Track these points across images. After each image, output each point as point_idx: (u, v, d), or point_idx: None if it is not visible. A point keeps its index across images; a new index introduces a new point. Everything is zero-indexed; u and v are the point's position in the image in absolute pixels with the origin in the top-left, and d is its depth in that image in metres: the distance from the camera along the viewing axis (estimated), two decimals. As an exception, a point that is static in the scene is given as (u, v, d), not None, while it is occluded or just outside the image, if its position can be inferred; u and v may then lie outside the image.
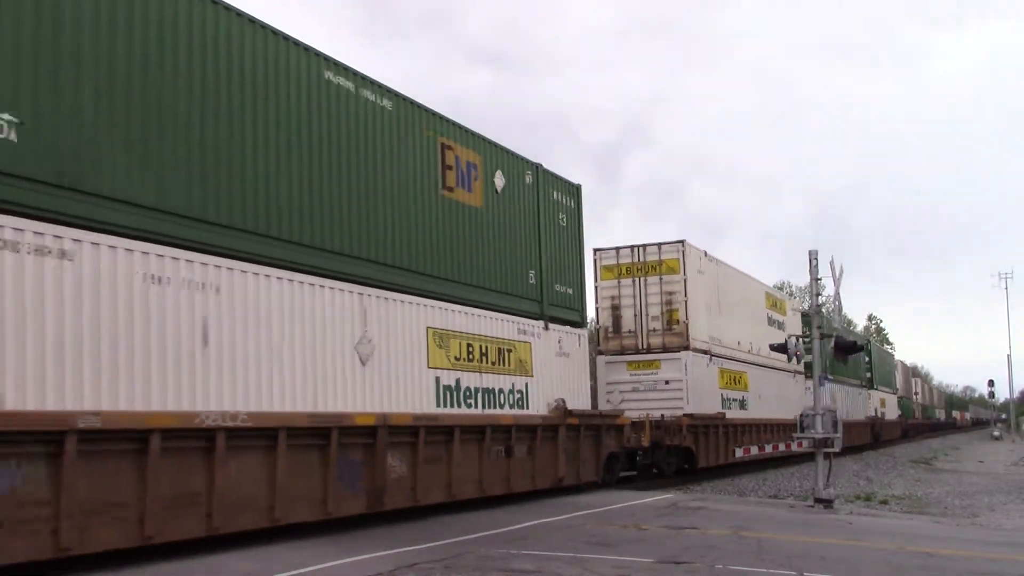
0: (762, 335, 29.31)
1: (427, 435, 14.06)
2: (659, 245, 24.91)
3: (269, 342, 11.61)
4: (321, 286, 12.55)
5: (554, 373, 18.27)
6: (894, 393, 57.37)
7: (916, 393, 74.95)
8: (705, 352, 25.12)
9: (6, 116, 8.80)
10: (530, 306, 17.81)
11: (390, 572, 9.51)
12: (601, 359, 24.47)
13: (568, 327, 19.09)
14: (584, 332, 19.82)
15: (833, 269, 19.08)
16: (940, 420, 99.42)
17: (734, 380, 26.95)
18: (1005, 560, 11.85)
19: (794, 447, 22.51)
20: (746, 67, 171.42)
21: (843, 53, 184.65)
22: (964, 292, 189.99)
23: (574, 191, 19.93)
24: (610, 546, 11.64)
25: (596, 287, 24.82)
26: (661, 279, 24.45)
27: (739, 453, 25.79)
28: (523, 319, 17.47)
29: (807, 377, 31.95)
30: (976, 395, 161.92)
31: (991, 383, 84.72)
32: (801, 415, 18.62)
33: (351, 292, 13.11)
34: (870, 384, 48.76)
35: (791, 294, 63.90)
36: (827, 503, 17.66)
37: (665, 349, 24.18)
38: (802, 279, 73.79)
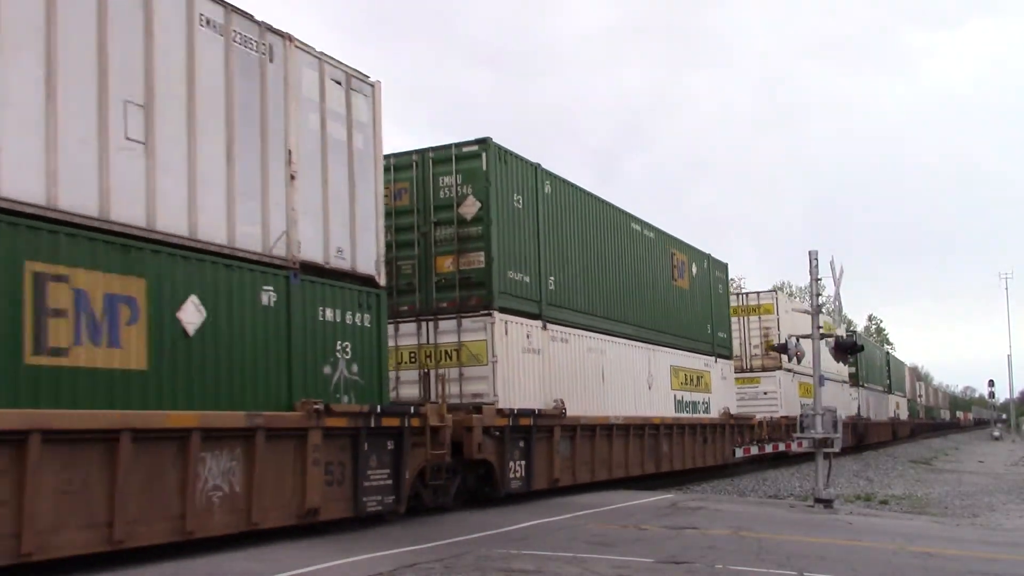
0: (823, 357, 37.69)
1: (675, 429, 23.36)
2: (758, 293, 34.93)
3: (620, 377, 20.84)
4: (631, 345, 21.58)
5: (720, 391, 27.06)
6: (904, 396, 64.70)
7: (920, 396, 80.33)
8: (790, 371, 33.38)
9: (552, 278, 18.13)
10: (707, 347, 26.46)
11: (390, 572, 9.51)
12: None
13: (724, 360, 28.01)
14: (731, 362, 29.06)
15: (833, 269, 19.09)
16: (946, 420, 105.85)
17: (807, 391, 32.82)
18: (1005, 560, 11.85)
19: (793, 446, 23.35)
20: (746, 67, 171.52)
21: (843, 53, 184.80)
22: (964, 292, 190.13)
23: (724, 268, 29.10)
24: (610, 546, 11.64)
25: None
26: (760, 318, 34.01)
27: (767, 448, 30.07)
28: (705, 356, 26.27)
29: (854, 386, 45.01)
30: (976, 395, 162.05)
31: (991, 383, 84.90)
32: (801, 415, 18.64)
33: (642, 347, 22.20)
34: (888, 389, 56.62)
35: (791, 294, 64.40)
36: (827, 503, 17.67)
37: (764, 369, 33.38)
38: (802, 279, 73.81)
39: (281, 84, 12.09)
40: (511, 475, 16.09)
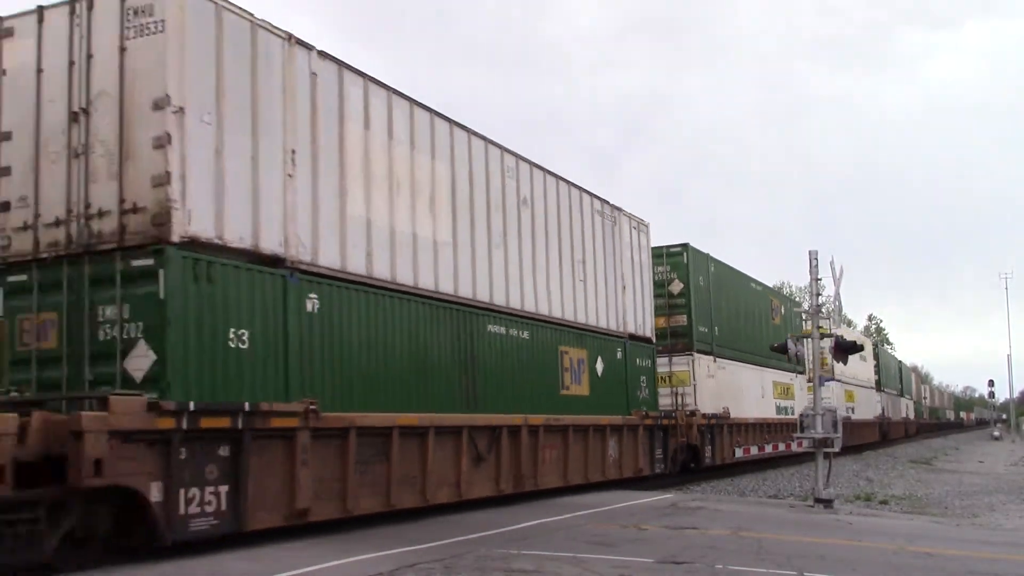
0: (855, 369, 45.98)
1: (775, 425, 31.85)
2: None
3: (749, 391, 29.89)
4: (752, 369, 30.30)
5: (799, 398, 34.47)
6: (911, 399, 72.03)
7: (925, 397, 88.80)
8: (840, 381, 38.25)
9: (717, 327, 26.93)
10: (790, 367, 32.12)
11: (390, 572, 9.51)
12: None
13: (800, 375, 33.91)
14: (805, 376, 34.10)
15: (833, 269, 19.13)
16: (951, 420, 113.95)
17: (851, 396, 44.09)
18: (1005, 560, 11.85)
19: (793, 446, 23.81)
20: (746, 67, 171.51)
21: (843, 53, 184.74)
22: (964, 292, 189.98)
23: (799, 305, 38.78)
24: (610, 546, 11.64)
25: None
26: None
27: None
28: (789, 373, 33.99)
29: (878, 391, 52.58)
30: (976, 395, 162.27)
31: (991, 383, 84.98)
32: (801, 415, 18.65)
33: (757, 370, 30.95)
34: (901, 393, 64.61)
35: (791, 294, 64.91)
36: (827, 503, 17.67)
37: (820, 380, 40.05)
38: (802, 279, 73.87)
39: (617, 236, 21.80)
40: (706, 454, 25.27)
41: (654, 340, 23.35)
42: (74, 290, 10.56)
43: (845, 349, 20.90)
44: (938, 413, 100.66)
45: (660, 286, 25.02)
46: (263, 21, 11.67)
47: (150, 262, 10.20)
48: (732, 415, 27.07)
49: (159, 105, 10.26)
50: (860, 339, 44.69)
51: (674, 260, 25.82)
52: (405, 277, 13.97)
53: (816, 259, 18.90)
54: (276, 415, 11.16)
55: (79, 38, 10.81)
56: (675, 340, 25.25)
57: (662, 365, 24.24)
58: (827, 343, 19.73)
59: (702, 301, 26.33)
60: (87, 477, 8.96)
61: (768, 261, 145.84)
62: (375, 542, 11.47)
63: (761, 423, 30.53)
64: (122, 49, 10.53)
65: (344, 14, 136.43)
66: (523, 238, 17.39)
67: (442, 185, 15.08)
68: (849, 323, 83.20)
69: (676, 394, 24.29)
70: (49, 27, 11.03)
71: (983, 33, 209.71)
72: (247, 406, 10.76)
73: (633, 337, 21.92)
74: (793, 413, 32.03)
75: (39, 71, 11.04)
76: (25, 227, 10.99)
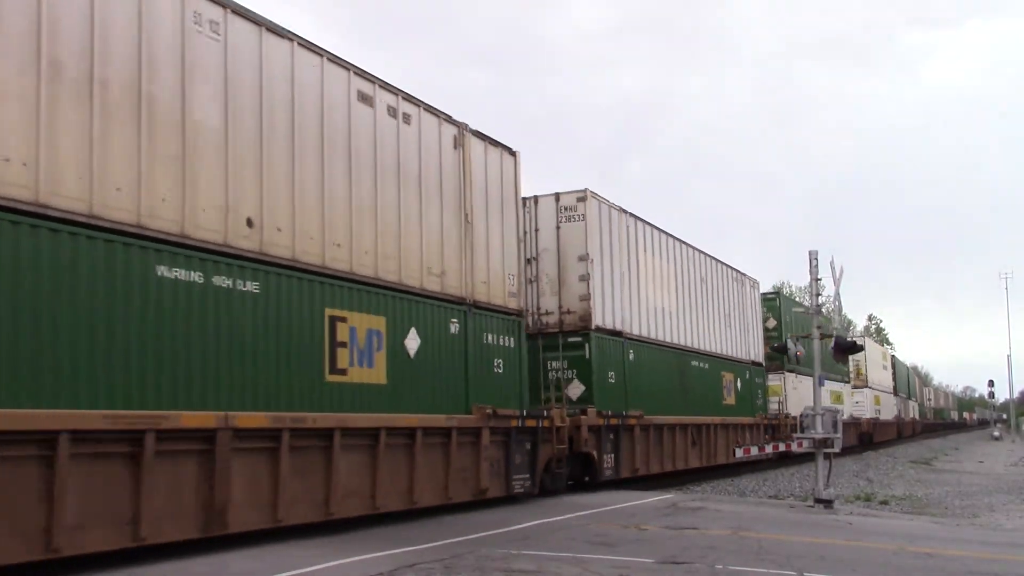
0: (879, 377, 54.51)
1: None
2: (862, 337, 52.45)
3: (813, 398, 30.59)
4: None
5: (847, 402, 41.80)
6: (916, 401, 77.48)
7: (929, 399, 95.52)
8: (871, 388, 46.75)
9: (800, 352, 26.80)
10: (840, 379, 40.81)
11: (390, 572, 9.51)
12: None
13: (847, 384, 43.68)
14: (850, 385, 46.16)
15: (833, 269, 19.13)
16: (954, 420, 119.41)
17: (876, 400, 51.41)
18: (1005, 560, 11.84)
19: (793, 446, 23.97)
20: (746, 67, 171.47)
21: (843, 53, 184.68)
22: (964, 292, 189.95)
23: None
24: (610, 546, 11.64)
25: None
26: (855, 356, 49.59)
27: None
28: (840, 383, 41.50)
29: (894, 395, 59.54)
30: (976, 395, 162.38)
31: (991, 383, 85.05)
32: (801, 415, 18.65)
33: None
34: (909, 396, 70.20)
35: (791, 294, 65.20)
36: (827, 503, 17.67)
37: (856, 388, 47.30)
38: (802, 279, 73.95)
39: (742, 292, 31.38)
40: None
41: (763, 363, 32.24)
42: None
43: (845, 349, 20.93)
44: (943, 414, 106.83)
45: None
46: (619, 207, 21.80)
47: (579, 339, 19.84)
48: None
49: (582, 257, 20.09)
50: (881, 351, 56.20)
51: (770, 303, 34.77)
52: (661, 335, 23.80)
53: (816, 259, 18.90)
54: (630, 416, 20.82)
55: (530, 219, 20.15)
56: (771, 362, 33.09)
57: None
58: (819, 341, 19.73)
59: (788, 332, 33.79)
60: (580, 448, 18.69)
61: (768, 261, 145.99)
62: (375, 542, 11.47)
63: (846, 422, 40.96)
64: (557, 227, 20.31)
65: (344, 13, 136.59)
66: (702, 303, 26.60)
67: (670, 275, 24.48)
68: (849, 323, 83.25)
69: (778, 402, 32.89)
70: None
71: (983, 33, 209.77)
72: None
73: (754, 363, 30.67)
74: (844, 415, 43.41)
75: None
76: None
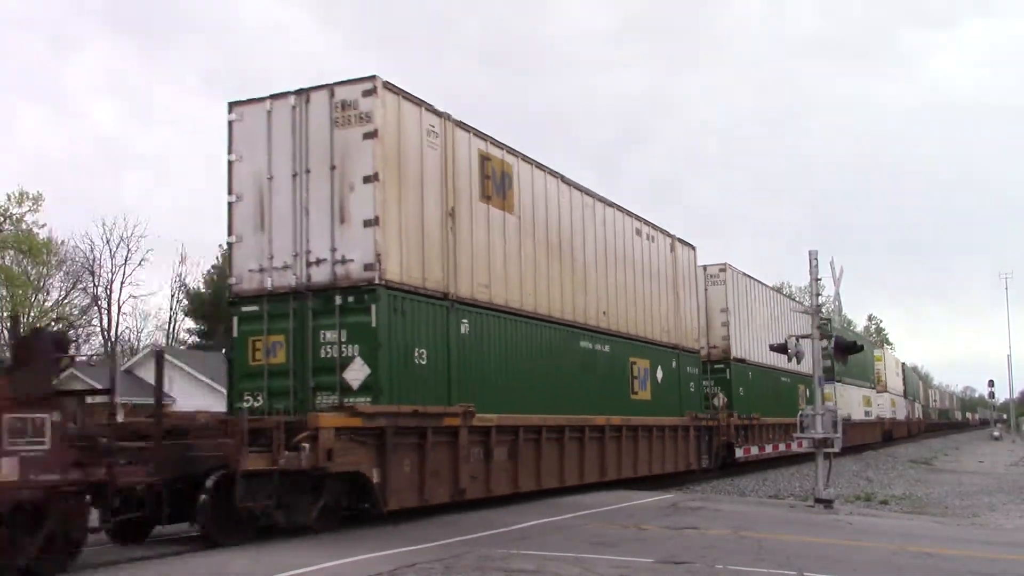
0: (894, 382, 60.67)
1: (866, 424, 48.18)
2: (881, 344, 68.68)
3: (854, 403, 44.70)
4: (855, 387, 45.92)
5: (874, 404, 48.21)
6: (920, 402, 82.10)
7: (935, 400, 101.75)
8: (889, 392, 54.34)
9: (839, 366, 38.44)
10: (869, 384, 48.19)
11: (390, 572, 9.51)
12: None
13: (873, 389, 47.59)
14: (875, 389, 50.51)
15: (833, 269, 19.12)
16: (958, 420, 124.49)
17: (893, 403, 57.93)
18: (1005, 560, 11.84)
19: (793, 445, 23.96)
20: (745, 67, 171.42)
21: (842, 53, 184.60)
22: (964, 292, 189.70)
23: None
24: (610, 546, 11.64)
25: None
26: (877, 362, 55.83)
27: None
28: (868, 389, 48.57)
29: (904, 398, 65.09)
30: (976, 395, 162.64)
31: (991, 383, 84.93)
32: (801, 415, 18.64)
33: (857, 388, 45.90)
34: (915, 398, 75.32)
35: (791, 295, 65.39)
36: (827, 503, 17.66)
37: (877, 392, 52.82)
38: (802, 279, 73.94)
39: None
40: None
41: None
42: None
43: (844, 349, 20.91)
44: (947, 414, 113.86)
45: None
46: (747, 275, 29.59)
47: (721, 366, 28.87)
48: (852, 418, 42.35)
49: (722, 310, 27.93)
50: (895, 360, 63.44)
51: (823, 326, 43.03)
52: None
53: (816, 259, 18.89)
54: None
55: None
56: (825, 374, 40.37)
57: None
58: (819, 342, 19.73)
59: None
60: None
61: (768, 261, 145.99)
62: (375, 542, 11.46)
63: (859, 422, 45.87)
64: (716, 303, 28.76)
65: (344, 12, 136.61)
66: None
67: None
68: (849, 323, 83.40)
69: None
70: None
71: (983, 33, 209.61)
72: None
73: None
74: (872, 415, 49.72)
75: None
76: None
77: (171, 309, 61.72)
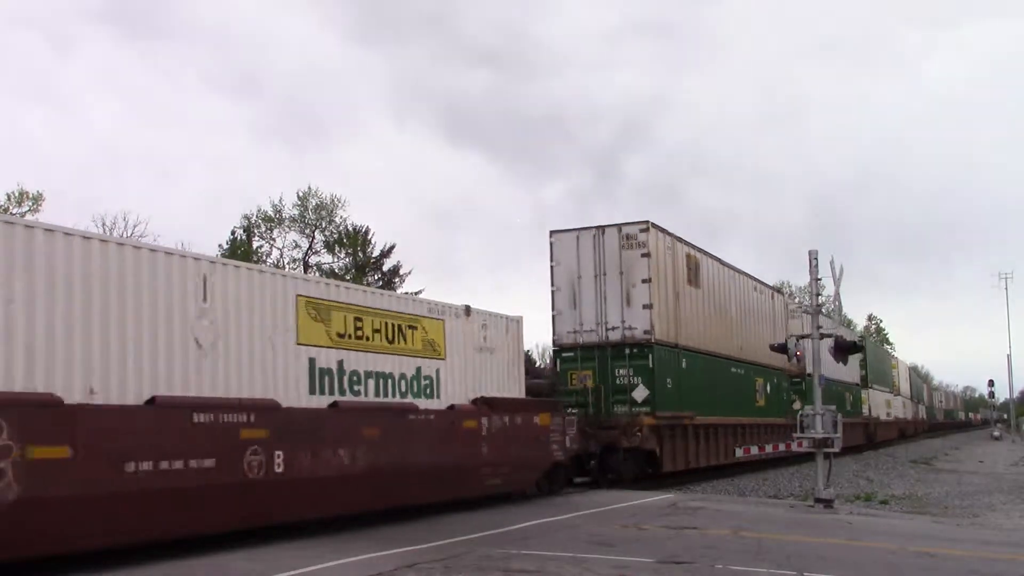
0: (905, 387, 68.06)
1: (891, 422, 60.24)
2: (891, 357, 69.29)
3: (888, 406, 56.66)
4: (882, 393, 53.89)
5: (894, 406, 58.26)
6: (924, 404, 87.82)
7: (941, 401, 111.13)
8: (901, 396, 61.25)
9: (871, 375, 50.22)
10: (890, 390, 57.42)
11: (390, 572, 9.51)
12: None
13: (894, 394, 58.41)
14: (893, 392, 60.38)
15: (833, 269, 19.08)
16: (962, 420, 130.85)
17: (904, 405, 64.26)
18: (1005, 560, 11.84)
19: (793, 445, 24.17)
20: (746, 67, 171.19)
21: (842, 53, 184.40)
22: (964, 292, 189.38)
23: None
24: (610, 546, 11.64)
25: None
26: (894, 369, 65.09)
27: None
28: (890, 393, 57.74)
29: (910, 399, 71.04)
30: (976, 395, 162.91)
31: (991, 383, 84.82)
32: (801, 414, 18.64)
33: (885, 393, 55.91)
34: (919, 400, 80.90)
35: (791, 294, 65.54)
36: (827, 503, 17.66)
37: (891, 395, 58.69)
38: (802, 279, 74.03)
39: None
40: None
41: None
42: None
43: (845, 349, 20.89)
44: (953, 414, 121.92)
45: None
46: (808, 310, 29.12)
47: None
48: (880, 419, 51.57)
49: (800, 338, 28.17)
50: (905, 365, 69.50)
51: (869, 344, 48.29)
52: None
53: (816, 259, 18.88)
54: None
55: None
56: (862, 383, 46.04)
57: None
58: (828, 342, 19.73)
59: (873, 361, 48.86)
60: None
61: (768, 261, 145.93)
62: (375, 542, 11.47)
63: (884, 421, 53.43)
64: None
65: (342, 12, 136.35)
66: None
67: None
68: (849, 323, 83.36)
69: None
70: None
71: (982, 33, 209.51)
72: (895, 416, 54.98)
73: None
74: (892, 416, 56.96)
75: None
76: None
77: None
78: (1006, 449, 55.97)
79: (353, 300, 14.19)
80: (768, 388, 31.47)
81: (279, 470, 11.84)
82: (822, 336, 19.13)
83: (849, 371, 42.47)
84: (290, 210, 51.16)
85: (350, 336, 13.88)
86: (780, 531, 13.76)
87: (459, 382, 16.17)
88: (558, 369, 22.71)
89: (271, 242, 51.96)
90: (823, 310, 19.49)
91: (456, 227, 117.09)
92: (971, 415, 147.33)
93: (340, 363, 13.54)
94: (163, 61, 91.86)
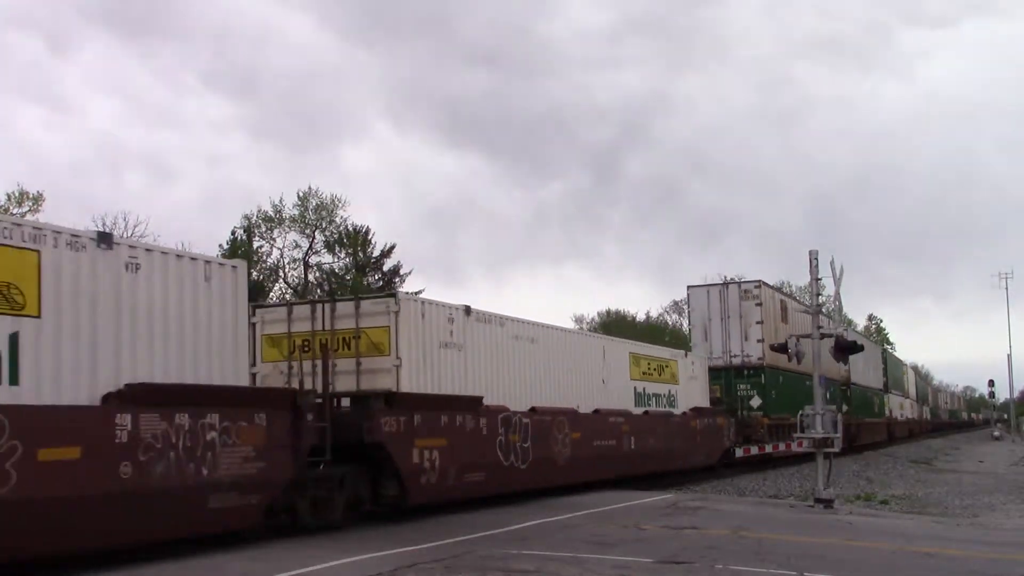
0: (912, 391, 71.18)
1: (901, 422, 63.15)
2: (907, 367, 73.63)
3: (907, 408, 68.39)
4: (899, 398, 59.77)
5: (906, 408, 63.23)
6: (928, 405, 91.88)
7: (946, 402, 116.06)
8: (910, 398, 64.77)
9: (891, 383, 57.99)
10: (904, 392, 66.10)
11: (390, 572, 9.51)
12: None
13: (904, 396, 63.07)
14: (904, 396, 64.41)
15: (833, 269, 19.06)
16: (966, 420, 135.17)
17: (913, 406, 68.69)
18: (1005, 560, 11.84)
19: (793, 445, 24.28)
20: (745, 67, 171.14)
21: (842, 53, 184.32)
22: (964, 292, 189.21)
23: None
24: (610, 546, 11.64)
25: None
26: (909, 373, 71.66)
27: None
28: (905, 397, 66.93)
29: (916, 401, 73.68)
30: (976, 395, 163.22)
31: (991, 383, 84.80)
32: (801, 414, 18.62)
33: (899, 397, 61.13)
34: (924, 402, 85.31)
35: (791, 295, 65.51)
36: (827, 503, 17.65)
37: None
38: (802, 279, 74.01)
39: None
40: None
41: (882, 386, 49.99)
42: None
43: (845, 349, 20.87)
44: (957, 414, 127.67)
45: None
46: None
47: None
48: (898, 418, 54.90)
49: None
50: (912, 371, 72.88)
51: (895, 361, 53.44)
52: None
53: (816, 259, 18.87)
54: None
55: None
56: (885, 388, 48.98)
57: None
58: (828, 342, 19.72)
59: (891, 368, 52.14)
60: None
61: (768, 261, 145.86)
62: (375, 542, 11.47)
63: (901, 421, 58.51)
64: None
65: (341, 12, 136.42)
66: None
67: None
68: (849, 323, 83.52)
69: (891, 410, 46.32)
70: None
71: (981, 33, 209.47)
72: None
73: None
74: (904, 417, 60.78)
75: None
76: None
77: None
78: (1006, 449, 55.95)
79: (646, 352, 24.73)
80: (829, 394, 35.69)
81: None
82: (822, 336, 19.12)
83: (876, 378, 49.50)
84: (290, 210, 51.22)
85: (646, 374, 23.89)
86: (780, 531, 13.76)
87: (684, 398, 25.71)
88: None
89: (271, 242, 51.99)
90: (823, 310, 19.47)
91: (456, 227, 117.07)
92: (973, 415, 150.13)
93: (644, 388, 23.54)
94: (163, 61, 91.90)
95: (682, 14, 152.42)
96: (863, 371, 45.98)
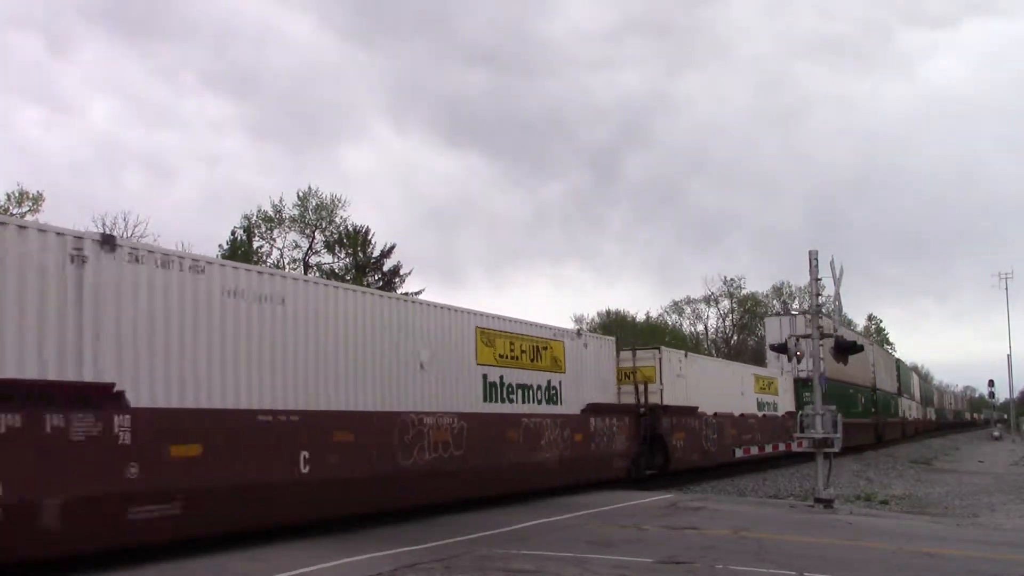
0: (918, 393, 74.77)
1: (913, 421, 68.23)
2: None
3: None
4: (908, 400, 65.24)
5: (913, 409, 68.12)
6: (932, 406, 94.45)
7: (950, 403, 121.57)
8: (916, 401, 69.54)
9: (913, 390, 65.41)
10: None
11: (390, 572, 9.52)
12: None
13: (913, 400, 65.70)
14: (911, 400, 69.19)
15: (833, 269, 19.05)
16: (969, 420, 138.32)
17: (918, 409, 71.86)
18: (1005, 560, 11.85)
19: (793, 446, 24.52)
20: (745, 67, 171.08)
21: (842, 52, 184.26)
22: (964, 292, 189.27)
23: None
24: (610, 546, 11.65)
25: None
26: (917, 377, 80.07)
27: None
28: (917, 402, 73.18)
29: (920, 402, 76.49)
30: (976, 395, 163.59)
31: (991, 383, 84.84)
32: (801, 414, 18.62)
33: (908, 400, 66.38)
34: (929, 403, 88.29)
35: (791, 295, 65.48)
36: (827, 503, 17.66)
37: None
38: (802, 279, 73.97)
39: None
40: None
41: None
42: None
43: (844, 349, 20.89)
44: (961, 415, 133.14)
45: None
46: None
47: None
48: (908, 418, 57.56)
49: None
50: (915, 376, 75.06)
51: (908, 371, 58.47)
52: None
53: (816, 259, 18.86)
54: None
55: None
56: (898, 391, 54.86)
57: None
58: (828, 343, 19.74)
59: (903, 374, 56.39)
60: None
61: (768, 261, 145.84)
62: (375, 542, 11.48)
63: (910, 421, 61.55)
64: None
65: (342, 13, 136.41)
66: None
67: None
68: (849, 323, 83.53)
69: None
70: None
71: (981, 33, 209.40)
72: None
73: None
74: (912, 417, 64.20)
75: None
76: None
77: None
78: (1006, 449, 55.97)
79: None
80: (862, 400, 44.65)
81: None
82: (823, 336, 19.12)
83: (891, 383, 55.39)
84: (290, 210, 51.25)
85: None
86: (780, 531, 13.77)
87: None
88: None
89: (271, 242, 52.02)
90: (823, 310, 19.48)
91: (456, 227, 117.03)
92: (974, 415, 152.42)
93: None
94: (162, 61, 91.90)
95: (682, 14, 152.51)
96: (884, 377, 52.92)
